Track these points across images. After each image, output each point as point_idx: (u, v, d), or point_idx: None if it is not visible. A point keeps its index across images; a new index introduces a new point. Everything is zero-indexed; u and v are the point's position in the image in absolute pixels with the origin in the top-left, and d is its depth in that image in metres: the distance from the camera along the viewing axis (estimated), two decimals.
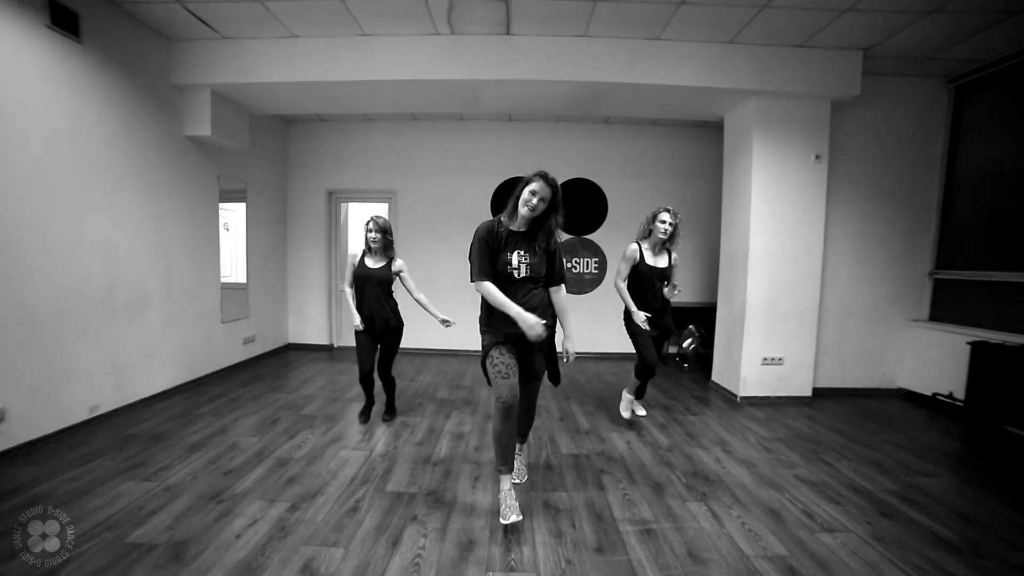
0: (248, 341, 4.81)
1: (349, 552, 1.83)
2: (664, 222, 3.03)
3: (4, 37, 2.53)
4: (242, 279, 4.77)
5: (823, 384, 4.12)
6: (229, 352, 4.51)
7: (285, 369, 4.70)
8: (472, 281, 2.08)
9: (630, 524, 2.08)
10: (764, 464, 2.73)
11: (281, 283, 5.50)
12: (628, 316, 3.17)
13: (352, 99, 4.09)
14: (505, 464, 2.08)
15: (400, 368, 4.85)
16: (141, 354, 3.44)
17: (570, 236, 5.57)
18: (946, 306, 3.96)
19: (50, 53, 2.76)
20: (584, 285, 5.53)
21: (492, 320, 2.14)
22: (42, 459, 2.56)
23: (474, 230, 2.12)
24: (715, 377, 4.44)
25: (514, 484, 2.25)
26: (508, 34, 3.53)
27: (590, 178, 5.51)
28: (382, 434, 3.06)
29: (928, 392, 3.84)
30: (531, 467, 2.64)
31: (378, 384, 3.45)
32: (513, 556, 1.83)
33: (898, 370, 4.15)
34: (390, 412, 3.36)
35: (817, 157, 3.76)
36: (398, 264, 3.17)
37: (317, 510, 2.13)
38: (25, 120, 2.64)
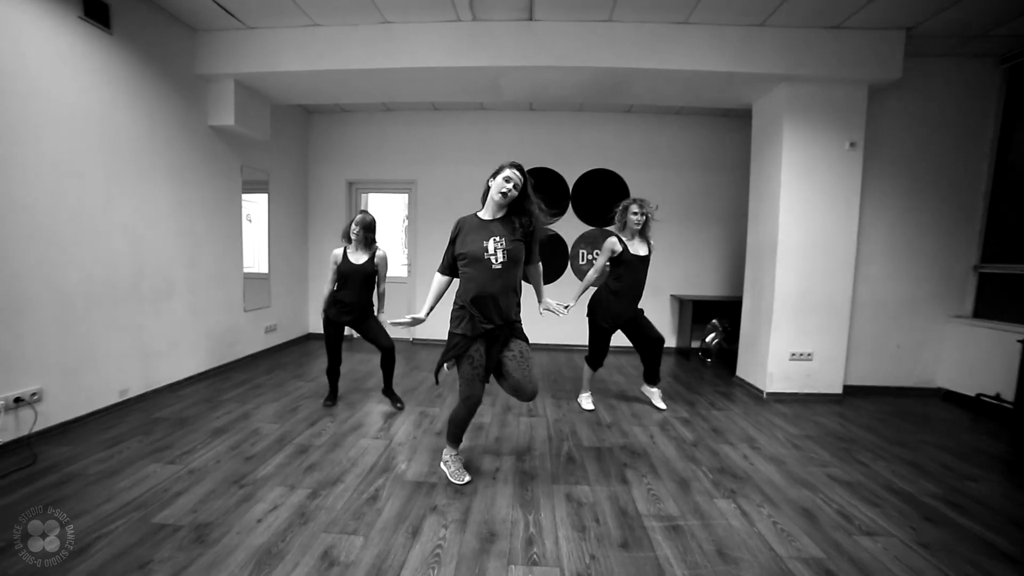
0: (270, 330, 4.87)
1: (369, 541, 1.82)
2: (635, 213, 3.15)
3: (39, 28, 2.58)
4: (264, 269, 4.83)
5: (854, 382, 3.96)
6: (252, 340, 4.57)
7: (306, 358, 4.75)
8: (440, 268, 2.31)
9: (655, 520, 2.02)
10: (794, 462, 2.62)
11: (302, 273, 5.56)
12: (594, 309, 3.33)
13: (373, 88, 4.07)
14: (456, 442, 2.38)
15: (419, 359, 4.85)
16: (167, 341, 3.51)
17: (591, 227, 5.47)
18: (992, 302, 3.75)
19: (82, 44, 2.80)
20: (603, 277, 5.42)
21: (469, 319, 2.16)
22: (76, 439, 2.64)
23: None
24: (740, 372, 4.31)
25: (455, 482, 2.32)
26: (531, 20, 3.45)
27: (611, 168, 5.40)
28: (401, 423, 3.05)
29: (971, 392, 3.65)
30: (552, 459, 2.60)
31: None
32: (535, 550, 1.79)
33: (936, 369, 3.96)
34: (394, 398, 3.40)
35: (852, 145, 3.59)
36: (380, 255, 3.20)
37: (337, 497, 2.12)
38: (59, 109, 2.69)
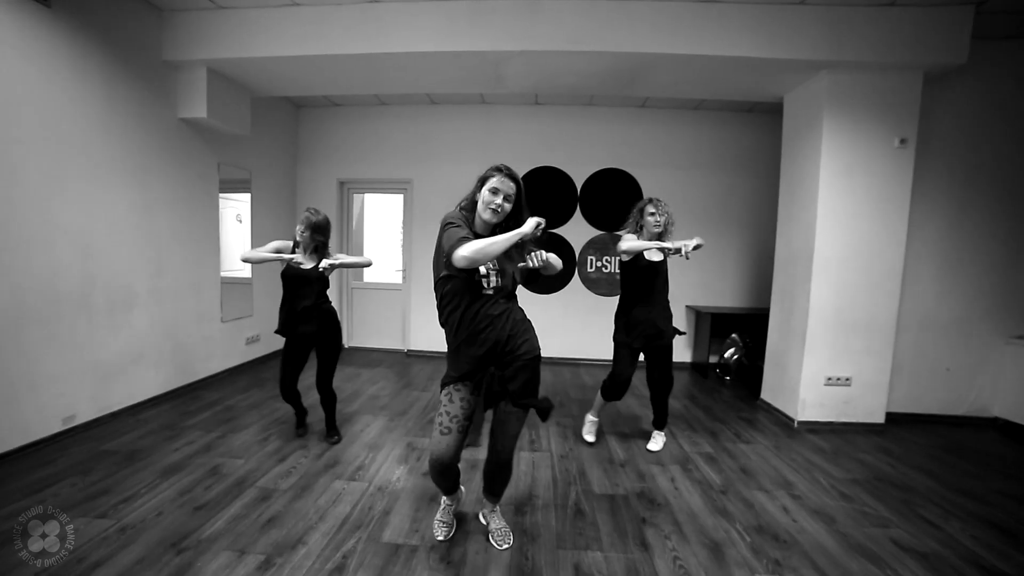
0: (252, 341, 4.49)
1: None
2: (652, 214, 2.68)
3: None
4: (248, 274, 4.45)
5: (896, 408, 3.52)
6: (229, 353, 4.19)
7: None
8: (454, 255, 1.54)
9: None
10: (846, 519, 2.20)
11: None
12: (617, 312, 2.91)
13: (361, 76, 3.67)
14: (445, 492, 1.97)
15: (412, 375, 4.45)
16: (126, 358, 3.13)
17: (601, 232, 5.05)
18: None
19: (10, 19, 2.40)
20: (615, 286, 5.01)
21: (455, 353, 1.76)
22: None
23: (443, 219, 1.70)
24: (765, 395, 3.88)
25: (491, 548, 1.92)
26: None
27: (623, 168, 4.98)
28: (383, 460, 2.65)
29: None
30: (558, 511, 2.19)
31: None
32: None
33: (993, 396, 3.50)
34: (332, 431, 2.88)
35: (902, 141, 3.15)
36: (323, 266, 2.56)
37: (295, 568, 1.72)
38: None
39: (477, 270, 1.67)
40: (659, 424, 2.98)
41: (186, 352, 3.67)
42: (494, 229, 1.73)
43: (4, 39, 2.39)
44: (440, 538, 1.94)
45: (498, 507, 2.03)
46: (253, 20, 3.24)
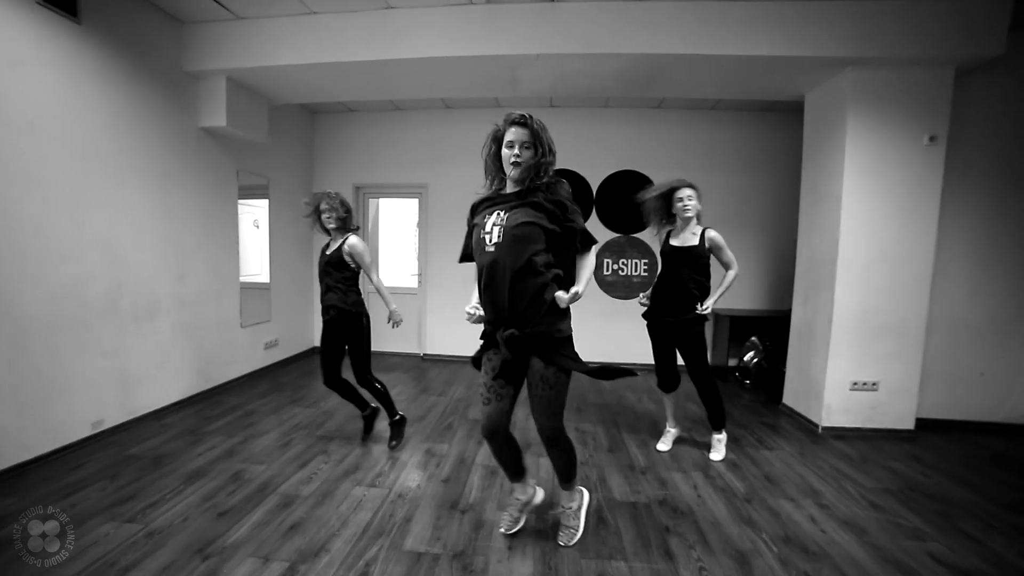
0: (270, 346, 4.55)
1: None
2: (681, 200, 2.67)
3: None
4: (267, 279, 4.51)
5: (927, 414, 3.41)
6: (249, 358, 4.25)
7: (308, 377, 4.40)
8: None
9: None
10: (878, 530, 2.12)
11: (307, 284, 5.22)
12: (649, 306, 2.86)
13: (377, 82, 3.70)
14: (512, 478, 1.98)
15: (429, 379, 4.46)
16: (151, 363, 3.19)
17: (617, 235, 5.00)
18: None
19: (43, 34, 2.48)
20: (632, 288, 4.96)
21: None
22: (30, 484, 2.30)
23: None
24: (788, 400, 3.80)
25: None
26: (554, 0, 3.02)
27: (639, 170, 4.92)
28: (403, 466, 2.65)
29: None
30: None
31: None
32: None
33: None
34: (395, 435, 2.89)
35: (932, 139, 3.05)
36: (350, 242, 2.68)
37: None
38: (16, 107, 2.37)
39: (483, 226, 1.69)
40: (715, 424, 2.89)
41: (207, 357, 3.72)
42: (523, 175, 1.69)
43: (38, 55, 2.46)
44: (502, 529, 2.00)
45: (574, 502, 2.00)
46: (271, 30, 3.29)
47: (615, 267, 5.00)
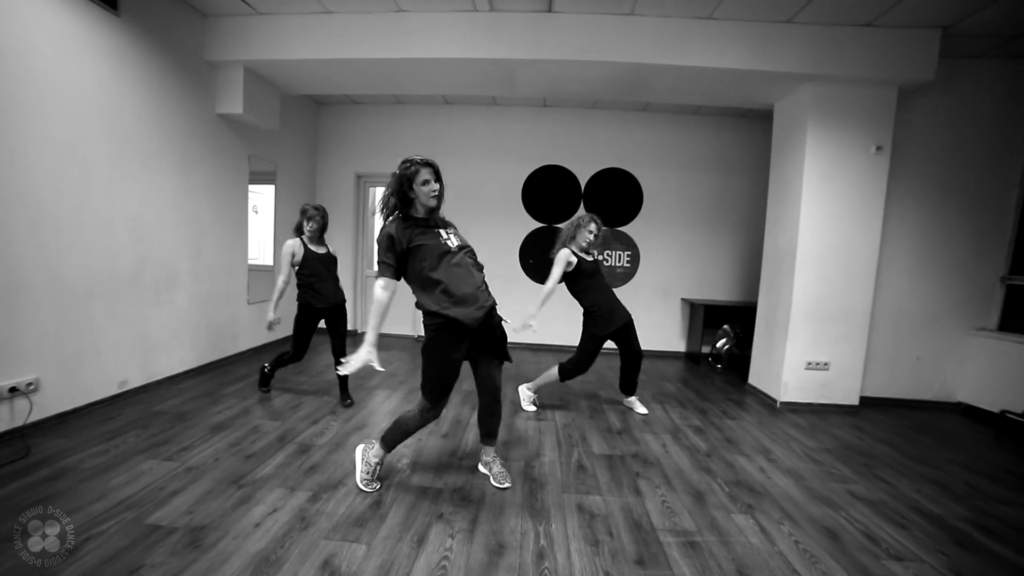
0: (274, 324, 4.77)
1: (372, 549, 1.73)
2: (592, 232, 3.15)
3: (43, 7, 2.50)
4: (269, 262, 4.75)
5: (870, 393, 3.85)
6: (256, 333, 4.50)
7: (310, 353, 4.64)
8: (380, 277, 2.05)
9: (671, 535, 1.92)
10: (813, 477, 2.52)
11: None
12: (590, 317, 3.20)
13: (385, 79, 3.98)
14: (392, 448, 2.20)
15: None
16: (169, 332, 3.44)
17: (603, 228, 5.35)
18: (1020, 315, 3.62)
19: (88, 25, 2.72)
20: (615, 279, 5.33)
21: (438, 298, 2.00)
22: (73, 430, 2.57)
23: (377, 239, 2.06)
24: (752, 380, 4.21)
25: (499, 488, 2.24)
26: (549, 11, 3.35)
27: (625, 168, 5.29)
28: None
29: (995, 409, 3.52)
30: (562, 466, 2.50)
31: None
32: (547, 564, 1.70)
33: (958, 383, 3.83)
34: (348, 397, 3.29)
35: (878, 148, 3.47)
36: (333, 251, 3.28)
37: (339, 502, 2.04)
38: (62, 93, 2.61)
39: (446, 239, 2.07)
40: (633, 389, 3.46)
41: (218, 330, 3.98)
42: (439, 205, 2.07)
43: (82, 44, 2.70)
44: (378, 486, 2.18)
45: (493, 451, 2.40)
46: (288, 25, 3.54)
47: (600, 258, 5.35)
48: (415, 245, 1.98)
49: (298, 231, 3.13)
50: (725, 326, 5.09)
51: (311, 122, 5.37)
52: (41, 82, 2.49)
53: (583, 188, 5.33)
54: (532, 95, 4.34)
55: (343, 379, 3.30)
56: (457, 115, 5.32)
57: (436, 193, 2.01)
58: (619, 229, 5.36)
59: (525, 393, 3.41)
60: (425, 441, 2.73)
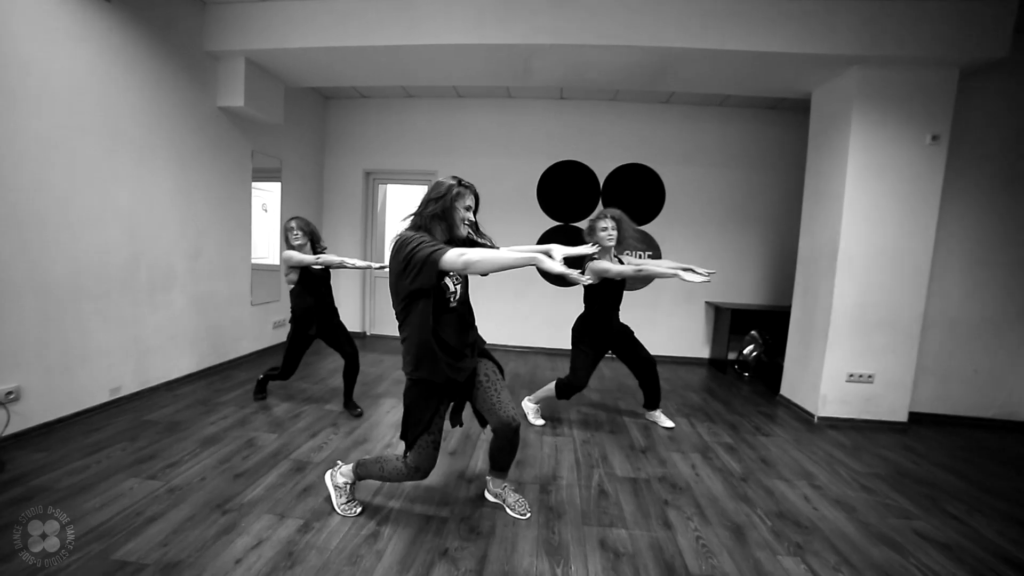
0: (278, 325, 4.63)
1: None
2: (605, 229, 2.82)
3: None
4: (275, 261, 4.59)
5: (919, 408, 3.50)
6: (258, 336, 4.33)
7: (315, 357, 4.48)
8: (436, 258, 1.55)
9: None
10: (867, 509, 2.21)
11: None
12: (583, 321, 2.96)
13: (392, 68, 3.76)
14: (362, 479, 1.99)
15: None
16: (164, 335, 3.27)
17: (627, 220, 5.07)
18: None
19: (74, 10, 2.55)
20: (636, 281, 5.04)
21: (431, 357, 1.70)
22: (55, 443, 2.40)
23: (402, 241, 1.66)
24: (785, 391, 3.88)
25: (516, 520, 2.00)
26: None
27: (646, 163, 4.99)
28: None
29: None
30: (581, 491, 2.25)
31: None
32: None
33: (1023, 400, 3.46)
34: (356, 406, 3.12)
35: (934, 138, 3.12)
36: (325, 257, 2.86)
37: (331, 533, 1.82)
38: (46, 82, 2.44)
39: (446, 286, 1.76)
40: (657, 402, 3.18)
41: (218, 333, 3.81)
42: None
43: (70, 33, 2.54)
44: (360, 510, 1.97)
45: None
46: (291, 12, 3.35)
47: (619, 258, 5.06)
48: None
49: (288, 245, 2.92)
50: (753, 332, 4.77)
51: (318, 117, 5.20)
52: (23, 70, 2.33)
53: (602, 185, 5.05)
54: (548, 84, 4.08)
55: (348, 387, 3.10)
56: (470, 109, 5.09)
57: (470, 221, 1.79)
58: (639, 228, 5.06)
59: (529, 406, 3.16)
60: None
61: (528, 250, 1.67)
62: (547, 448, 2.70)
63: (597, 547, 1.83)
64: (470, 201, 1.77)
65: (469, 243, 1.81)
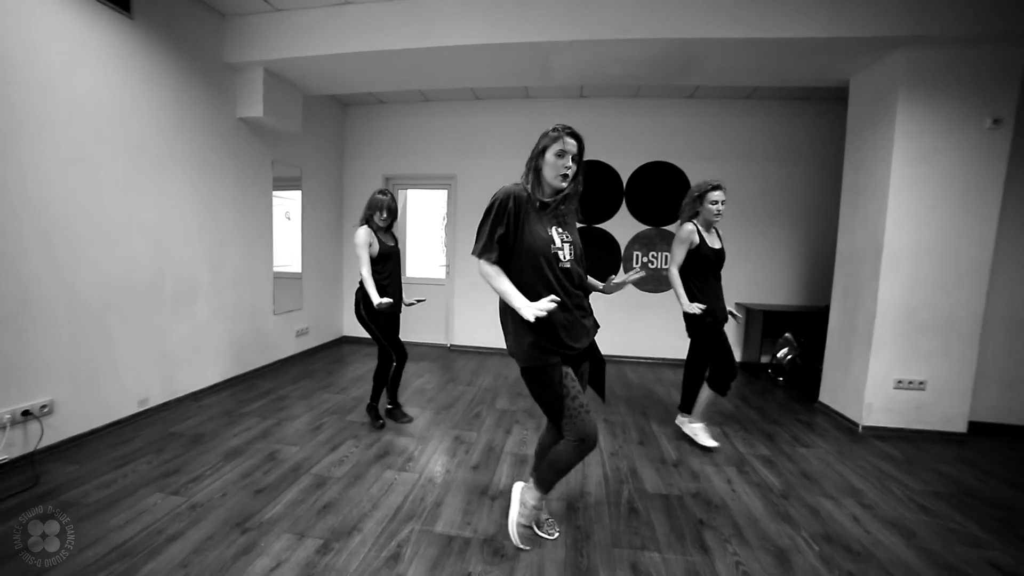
0: (301, 334, 4.66)
1: None
2: (716, 202, 2.62)
3: (53, 11, 2.37)
4: (299, 269, 4.62)
5: (981, 418, 3.22)
6: (281, 345, 4.36)
7: (337, 364, 4.49)
8: (474, 253, 1.67)
9: None
10: (928, 534, 2.02)
11: (336, 273, 5.33)
12: (693, 313, 2.65)
13: (409, 72, 3.71)
14: (549, 490, 1.85)
15: (456, 369, 4.49)
16: (190, 347, 3.31)
17: (647, 227, 4.91)
18: None
19: (100, 29, 2.60)
20: (661, 282, 4.86)
21: (550, 329, 1.62)
22: (86, 456, 2.44)
23: (498, 191, 1.64)
24: (824, 398, 3.65)
25: (544, 540, 1.91)
26: None
27: (671, 161, 4.81)
28: (432, 452, 2.68)
29: None
30: (611, 508, 2.13)
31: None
32: None
33: None
34: (379, 417, 3.05)
35: (996, 122, 2.86)
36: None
37: (352, 554, 1.76)
38: (74, 100, 2.48)
39: (551, 240, 1.65)
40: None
41: (242, 343, 3.84)
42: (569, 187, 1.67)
43: (94, 47, 2.58)
44: (558, 533, 1.92)
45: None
46: (307, 20, 3.34)
47: (644, 260, 4.91)
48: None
49: (367, 221, 2.81)
50: (787, 334, 4.53)
51: (337, 124, 5.21)
52: (48, 89, 2.37)
53: (625, 184, 4.89)
54: (568, 83, 3.96)
55: (374, 398, 3.05)
56: (488, 110, 5.01)
57: (565, 172, 1.62)
58: (665, 228, 4.89)
59: (694, 427, 2.86)
60: (453, 473, 2.43)
61: (518, 297, 1.59)
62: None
63: (629, 572, 1.71)
64: (562, 146, 1.60)
65: (562, 197, 1.68)
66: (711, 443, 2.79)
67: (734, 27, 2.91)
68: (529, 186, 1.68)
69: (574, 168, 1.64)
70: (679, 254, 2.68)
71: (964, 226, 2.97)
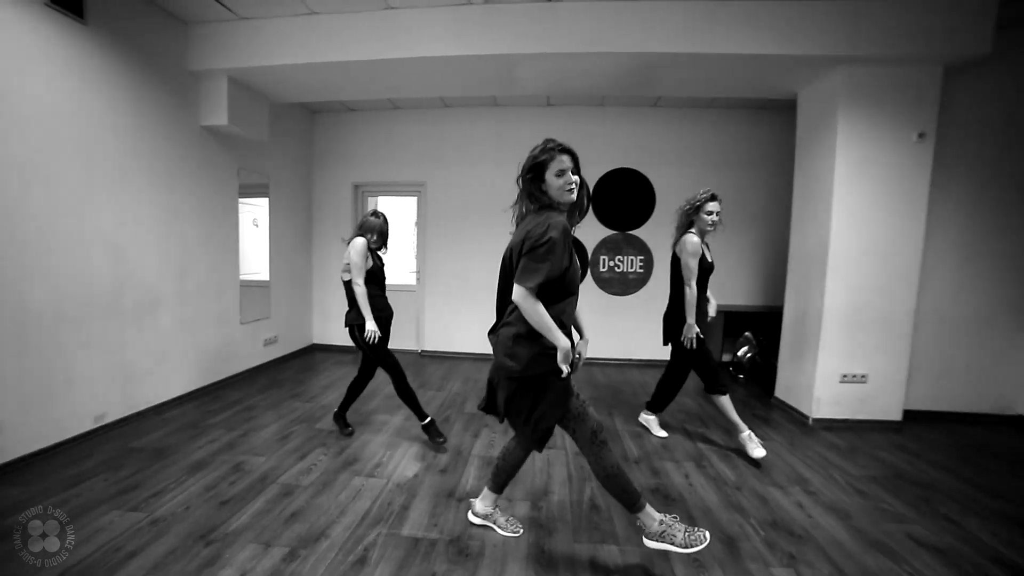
0: (270, 342, 4.60)
1: None
2: (712, 213, 2.68)
3: None
4: (267, 277, 4.56)
5: (914, 406, 3.47)
6: (249, 354, 4.29)
7: (307, 373, 4.45)
8: (528, 287, 1.56)
9: None
10: (861, 514, 2.19)
11: (306, 281, 5.28)
12: (676, 313, 2.80)
13: (377, 82, 3.74)
14: (640, 499, 1.73)
15: (427, 375, 4.51)
16: (152, 359, 3.23)
17: (614, 232, 5.06)
18: None
19: (50, 34, 2.53)
20: (629, 285, 5.03)
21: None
22: (34, 477, 2.35)
23: (549, 225, 1.57)
24: (779, 394, 3.86)
25: (507, 538, 1.98)
26: (551, 0, 3.07)
27: (636, 167, 4.98)
28: (401, 457, 2.71)
29: None
30: (573, 506, 2.22)
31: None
32: None
33: (1017, 394, 3.44)
34: (347, 425, 3.08)
35: (921, 136, 3.11)
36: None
37: (318, 560, 1.78)
38: (22, 106, 2.41)
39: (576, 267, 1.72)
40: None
41: (207, 353, 3.77)
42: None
43: (45, 53, 2.51)
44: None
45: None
46: (272, 29, 3.33)
47: (611, 264, 5.06)
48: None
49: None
50: (747, 333, 4.75)
51: (305, 131, 5.18)
52: None
53: (591, 190, 5.03)
54: (534, 93, 4.07)
55: (343, 407, 3.04)
56: (457, 118, 5.07)
57: (572, 187, 1.63)
58: (631, 233, 5.05)
59: (743, 438, 2.75)
60: (421, 478, 2.47)
61: (562, 337, 1.59)
62: (539, 462, 2.67)
63: (588, 567, 1.80)
64: (560, 165, 1.62)
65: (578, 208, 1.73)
66: (760, 452, 2.66)
67: (689, 43, 3.07)
68: (524, 209, 1.72)
69: (578, 179, 1.66)
70: (695, 267, 2.66)
71: (897, 230, 3.21)
